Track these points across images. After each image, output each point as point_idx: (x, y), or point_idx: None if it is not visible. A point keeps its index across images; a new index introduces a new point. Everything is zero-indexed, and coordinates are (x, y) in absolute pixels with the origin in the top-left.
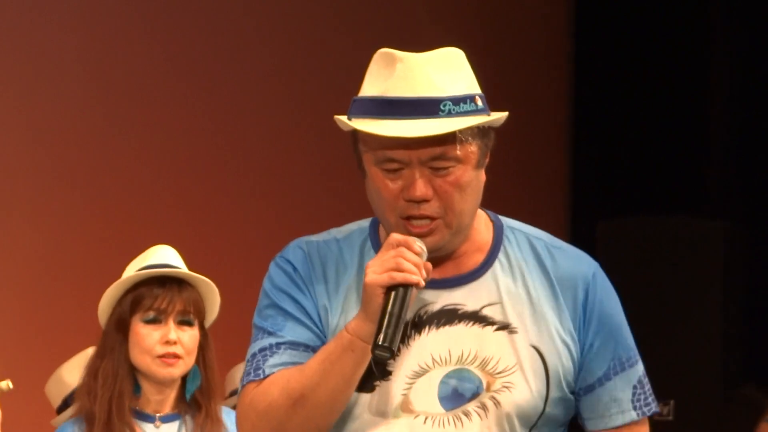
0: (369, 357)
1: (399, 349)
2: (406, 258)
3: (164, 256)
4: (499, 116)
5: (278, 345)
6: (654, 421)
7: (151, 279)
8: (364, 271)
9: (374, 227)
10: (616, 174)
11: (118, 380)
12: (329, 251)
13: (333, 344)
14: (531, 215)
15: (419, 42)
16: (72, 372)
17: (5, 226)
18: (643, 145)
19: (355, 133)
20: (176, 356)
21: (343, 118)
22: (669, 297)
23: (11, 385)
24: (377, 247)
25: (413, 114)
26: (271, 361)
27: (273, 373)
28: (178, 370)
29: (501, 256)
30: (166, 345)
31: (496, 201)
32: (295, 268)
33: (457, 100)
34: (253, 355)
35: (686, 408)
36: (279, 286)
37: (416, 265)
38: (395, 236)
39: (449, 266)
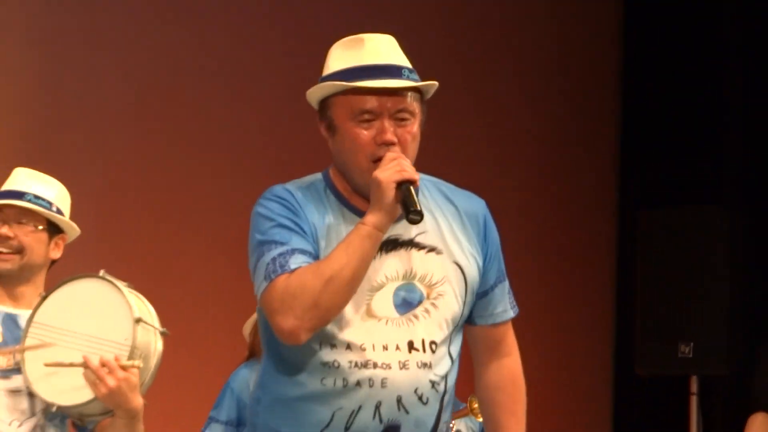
0: (380, 242)
1: None
2: (405, 165)
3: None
4: (435, 84)
5: (291, 251)
6: (680, 358)
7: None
8: (335, 209)
9: (327, 179)
10: (654, 172)
11: None
12: (303, 193)
13: (352, 236)
14: (584, 206)
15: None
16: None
17: None
18: (675, 149)
19: (325, 101)
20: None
21: (318, 88)
22: (691, 267)
23: (167, 332)
24: (336, 193)
25: (383, 76)
26: (292, 259)
27: (299, 267)
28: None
29: (422, 198)
30: None
31: (554, 194)
32: (286, 200)
33: (411, 70)
34: (273, 260)
35: (702, 348)
36: (277, 211)
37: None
38: (391, 154)
39: None
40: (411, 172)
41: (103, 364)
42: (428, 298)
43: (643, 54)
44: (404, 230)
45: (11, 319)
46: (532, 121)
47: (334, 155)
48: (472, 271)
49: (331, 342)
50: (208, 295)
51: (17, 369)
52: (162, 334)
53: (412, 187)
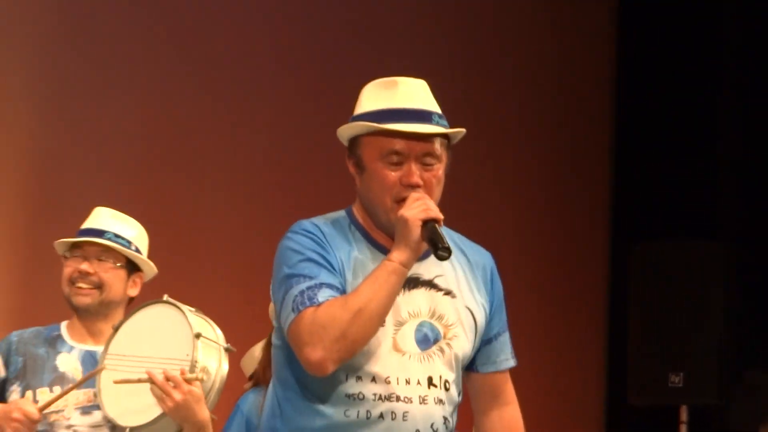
0: (405, 278)
1: None
2: (429, 204)
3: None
4: (463, 131)
5: (320, 285)
6: (669, 387)
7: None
8: (360, 244)
9: (351, 216)
10: (648, 205)
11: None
12: (330, 228)
13: (379, 271)
14: (575, 240)
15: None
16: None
17: None
18: (669, 182)
19: (355, 139)
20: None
21: (347, 127)
22: (684, 299)
23: (232, 348)
24: (360, 229)
25: (414, 120)
26: (320, 293)
27: (327, 300)
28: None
29: None
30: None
31: (548, 227)
32: (315, 234)
33: (440, 116)
34: (301, 293)
35: (692, 378)
36: (307, 245)
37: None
38: (416, 194)
39: None
40: (436, 212)
41: (168, 379)
42: (444, 337)
43: (637, 91)
44: (425, 270)
45: (90, 356)
46: (528, 157)
47: (360, 192)
48: (481, 318)
49: (357, 374)
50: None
51: (97, 405)
52: (226, 350)
53: (437, 226)
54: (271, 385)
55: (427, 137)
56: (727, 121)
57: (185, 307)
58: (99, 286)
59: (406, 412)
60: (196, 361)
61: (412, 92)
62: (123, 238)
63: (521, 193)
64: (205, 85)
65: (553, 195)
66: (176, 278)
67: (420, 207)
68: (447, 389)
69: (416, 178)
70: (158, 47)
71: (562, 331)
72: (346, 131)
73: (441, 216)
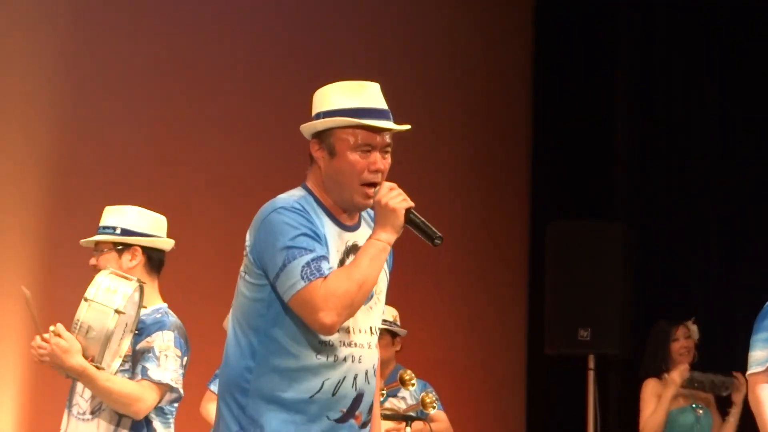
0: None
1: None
2: (404, 194)
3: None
4: (409, 127)
5: (319, 258)
6: (579, 340)
7: None
8: (325, 221)
9: (312, 195)
10: (562, 189)
11: None
12: (306, 206)
13: (372, 249)
14: (498, 216)
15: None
16: None
17: None
18: (577, 169)
19: (330, 129)
20: None
21: (329, 120)
22: (590, 267)
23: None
24: (322, 207)
25: (380, 117)
26: (324, 265)
27: (330, 271)
28: None
29: (365, 216)
30: None
31: (474, 204)
32: (304, 211)
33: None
34: (308, 264)
35: (597, 332)
36: (300, 221)
37: None
38: (388, 184)
39: (353, 217)
40: (409, 201)
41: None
42: (376, 292)
43: (551, 86)
44: (360, 238)
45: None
46: (458, 146)
47: (326, 174)
48: (388, 280)
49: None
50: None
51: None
52: (116, 312)
53: (414, 213)
54: (237, 331)
55: (389, 131)
56: (625, 115)
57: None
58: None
59: (361, 356)
60: (77, 320)
61: (376, 94)
62: (109, 227)
63: (455, 176)
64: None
65: (480, 180)
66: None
67: (401, 197)
68: (377, 335)
69: (380, 165)
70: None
71: (491, 294)
72: (327, 123)
73: (413, 204)
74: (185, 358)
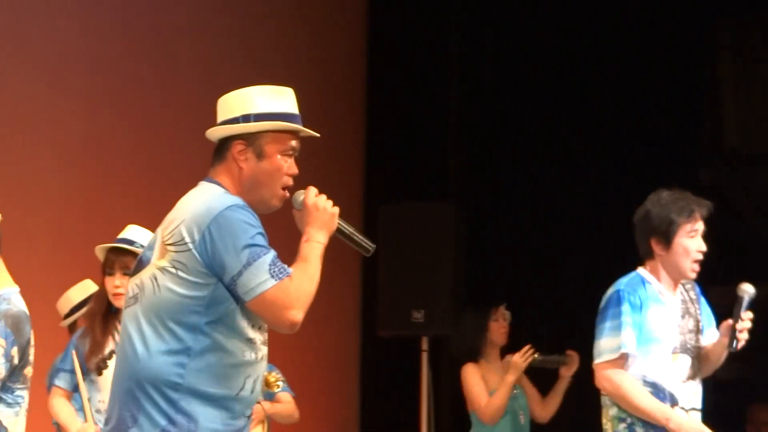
0: None
1: None
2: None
3: (129, 233)
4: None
5: (276, 256)
6: (412, 322)
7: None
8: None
9: (230, 193)
10: (396, 171)
11: (101, 309)
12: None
13: (316, 252)
14: (332, 199)
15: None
16: (75, 293)
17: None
18: (410, 155)
19: (260, 132)
20: (121, 294)
21: (267, 124)
22: (423, 250)
23: None
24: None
25: (299, 122)
26: (284, 265)
27: (291, 271)
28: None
29: None
30: (114, 288)
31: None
32: (250, 210)
33: None
34: (273, 263)
35: (430, 314)
36: (253, 220)
37: None
38: (314, 189)
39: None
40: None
41: None
42: None
43: (385, 75)
44: None
45: None
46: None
47: (248, 174)
48: None
49: (259, 324)
50: None
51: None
52: None
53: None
54: (157, 326)
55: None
56: (457, 98)
57: None
58: None
59: (265, 354)
60: None
61: (294, 100)
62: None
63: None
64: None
65: (314, 161)
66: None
67: (330, 201)
68: None
69: (296, 170)
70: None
71: (324, 276)
72: (263, 126)
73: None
74: (14, 348)
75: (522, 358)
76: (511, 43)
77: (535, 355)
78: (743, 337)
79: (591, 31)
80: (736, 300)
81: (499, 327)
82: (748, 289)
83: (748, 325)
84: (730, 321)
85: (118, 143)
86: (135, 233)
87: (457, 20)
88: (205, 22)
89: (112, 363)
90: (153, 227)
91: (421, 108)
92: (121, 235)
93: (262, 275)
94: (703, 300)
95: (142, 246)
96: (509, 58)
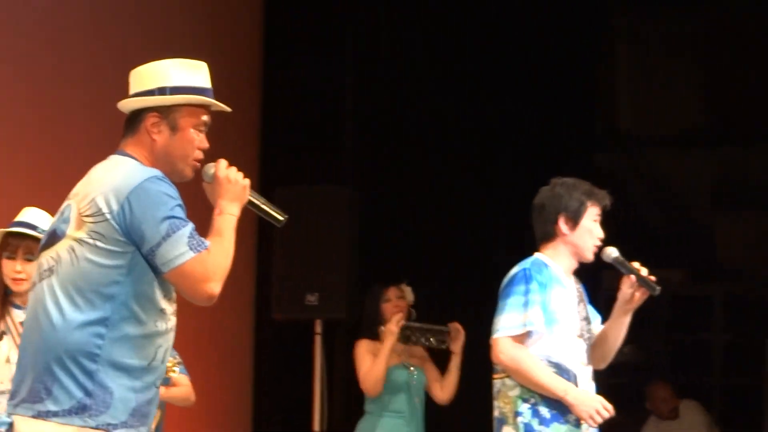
0: None
1: None
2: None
3: (27, 216)
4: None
5: (194, 228)
6: (306, 305)
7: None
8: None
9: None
10: (292, 155)
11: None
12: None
13: (230, 224)
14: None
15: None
16: None
17: None
18: (305, 137)
19: (175, 105)
20: (22, 279)
21: (183, 97)
22: (318, 234)
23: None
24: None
25: (212, 97)
26: (202, 238)
27: (208, 244)
28: (24, 287)
29: None
30: (15, 273)
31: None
32: (170, 184)
33: None
34: (191, 235)
35: (324, 297)
36: (173, 192)
37: None
38: (225, 162)
39: None
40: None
41: None
42: None
43: (281, 62)
44: None
45: None
46: None
47: (162, 147)
48: None
49: (170, 295)
50: None
51: None
52: None
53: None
54: (75, 296)
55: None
56: (353, 83)
57: None
58: None
59: (174, 325)
60: None
61: (207, 74)
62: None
63: None
64: None
65: (213, 147)
66: None
67: (241, 173)
68: None
69: (207, 144)
70: None
71: None
72: (177, 99)
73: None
74: None
75: (394, 322)
76: (405, 28)
77: (408, 323)
78: (652, 277)
79: (485, 16)
80: (613, 267)
81: (391, 307)
82: (611, 253)
83: (645, 269)
84: (631, 278)
85: (20, 115)
86: (34, 216)
87: (354, 3)
88: None
89: (1, 344)
90: (51, 206)
91: (317, 91)
92: (19, 218)
93: (180, 247)
94: (586, 298)
95: (43, 231)
96: (404, 43)
